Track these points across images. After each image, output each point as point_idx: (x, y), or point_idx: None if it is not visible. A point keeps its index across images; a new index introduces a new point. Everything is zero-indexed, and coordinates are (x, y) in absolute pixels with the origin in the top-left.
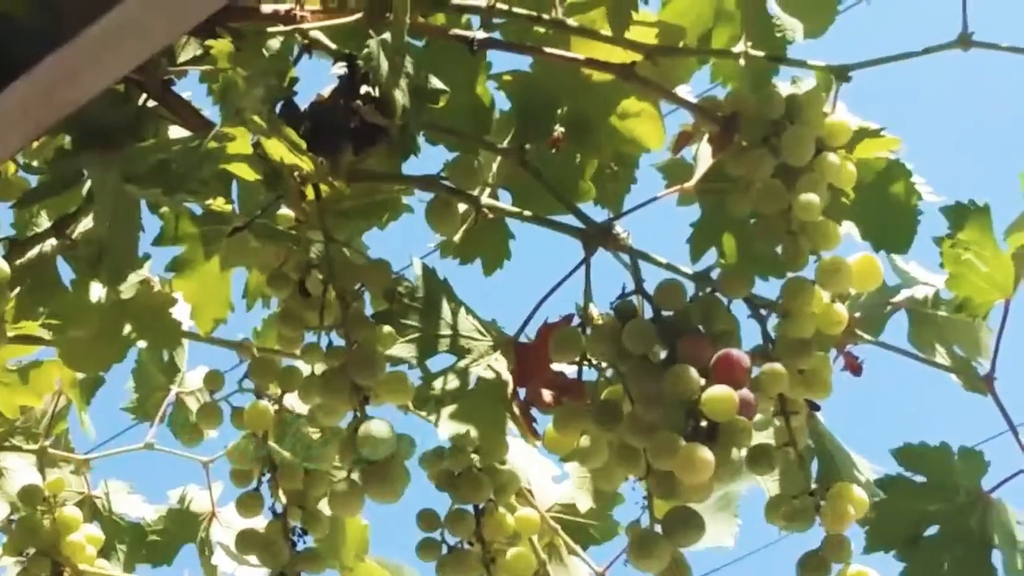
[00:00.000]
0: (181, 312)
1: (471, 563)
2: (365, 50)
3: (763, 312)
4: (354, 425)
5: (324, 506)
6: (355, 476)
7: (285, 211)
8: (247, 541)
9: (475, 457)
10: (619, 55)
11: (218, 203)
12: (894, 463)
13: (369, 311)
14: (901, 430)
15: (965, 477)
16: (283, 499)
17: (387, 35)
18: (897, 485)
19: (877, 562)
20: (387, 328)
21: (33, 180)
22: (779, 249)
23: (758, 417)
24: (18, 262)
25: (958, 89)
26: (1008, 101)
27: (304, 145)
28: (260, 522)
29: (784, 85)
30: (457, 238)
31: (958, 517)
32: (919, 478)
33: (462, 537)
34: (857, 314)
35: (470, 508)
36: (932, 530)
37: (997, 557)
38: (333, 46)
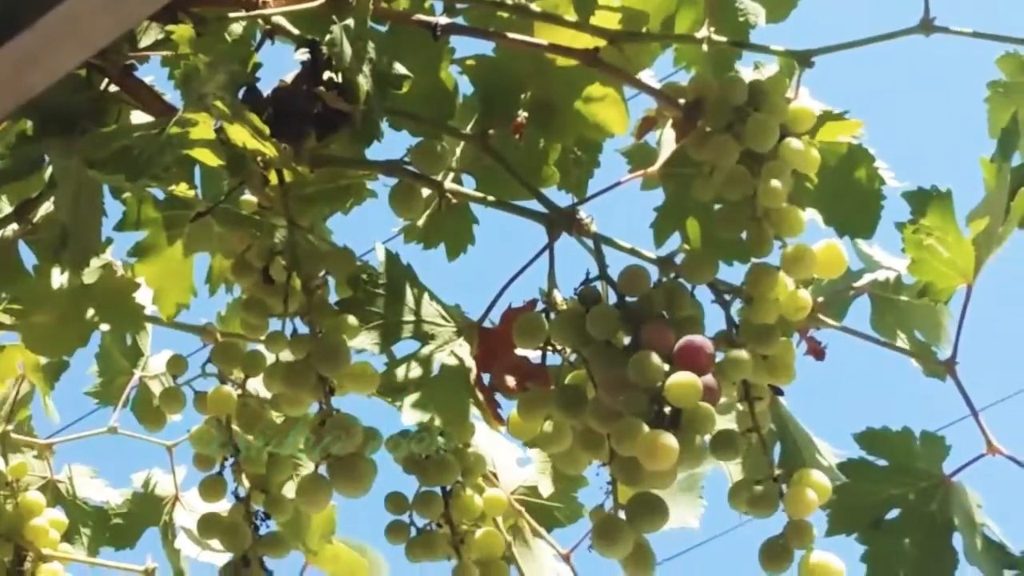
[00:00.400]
0: (144, 297)
1: (440, 544)
2: (328, 36)
3: (727, 298)
4: (320, 418)
5: (288, 490)
6: (322, 470)
7: (248, 196)
8: (209, 525)
9: (441, 439)
10: (583, 40)
11: (181, 188)
12: (856, 447)
13: (334, 298)
14: (863, 414)
15: (927, 461)
16: (246, 483)
17: (350, 20)
18: (859, 469)
19: (838, 545)
20: (351, 318)
21: None
22: (743, 235)
23: (721, 401)
24: None
25: (920, 75)
26: (969, 87)
27: (267, 130)
28: (223, 506)
29: (746, 71)
30: (421, 223)
31: (920, 501)
32: (881, 462)
33: (431, 519)
34: (820, 299)
35: (438, 490)
36: (894, 513)
37: (958, 540)
38: (296, 32)
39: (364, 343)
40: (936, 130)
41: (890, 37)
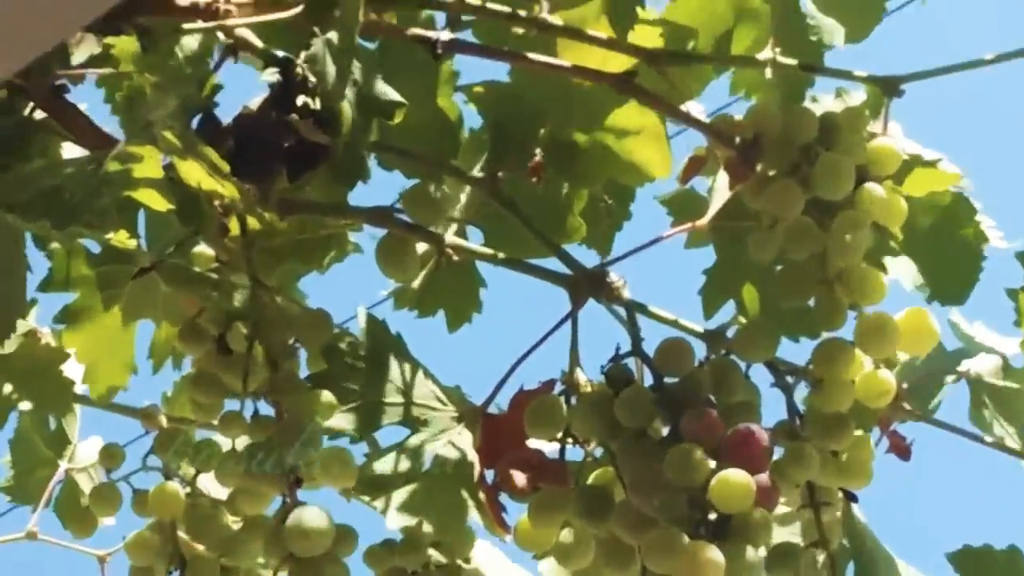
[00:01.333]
0: (73, 370)
1: None
2: (307, 51)
3: (789, 380)
4: (282, 513)
5: None
6: None
7: (203, 249)
8: None
9: (434, 552)
10: (616, 62)
11: (120, 238)
12: (951, 570)
13: (304, 373)
14: (959, 529)
15: None
16: None
17: (333, 34)
18: None
19: None
20: (325, 395)
21: None
22: (811, 303)
23: (781, 508)
24: None
25: None
26: None
27: (227, 168)
28: None
29: (827, 99)
30: (416, 285)
31: None
32: None
33: None
34: (905, 384)
35: None
36: None
37: None
38: (263, 47)
39: (340, 424)
40: None
41: (999, 60)
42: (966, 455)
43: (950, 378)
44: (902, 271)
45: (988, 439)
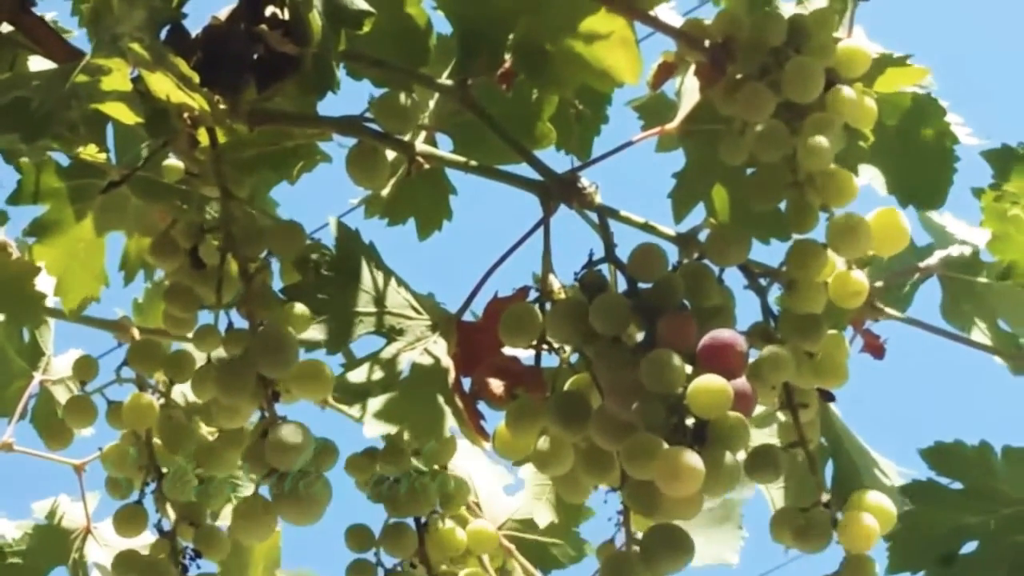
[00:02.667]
0: (45, 284)
1: None
2: None
3: (763, 282)
4: (262, 428)
5: (224, 521)
6: (263, 493)
7: (173, 161)
8: (126, 565)
9: (415, 460)
10: None
11: (90, 151)
12: (924, 466)
13: (278, 285)
14: (933, 426)
15: (1011, 483)
16: (171, 514)
17: None
18: (928, 492)
19: None
20: (299, 307)
21: None
22: (782, 205)
23: (758, 411)
24: None
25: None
26: None
27: (196, 79)
28: (144, 541)
29: (788, 5)
30: (385, 193)
31: (1002, 531)
32: (955, 484)
33: (402, 558)
34: (879, 283)
35: (411, 522)
36: (970, 546)
37: None
38: None
39: (315, 335)
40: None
41: None
42: (940, 351)
43: (921, 274)
44: (876, 176)
45: (960, 334)
